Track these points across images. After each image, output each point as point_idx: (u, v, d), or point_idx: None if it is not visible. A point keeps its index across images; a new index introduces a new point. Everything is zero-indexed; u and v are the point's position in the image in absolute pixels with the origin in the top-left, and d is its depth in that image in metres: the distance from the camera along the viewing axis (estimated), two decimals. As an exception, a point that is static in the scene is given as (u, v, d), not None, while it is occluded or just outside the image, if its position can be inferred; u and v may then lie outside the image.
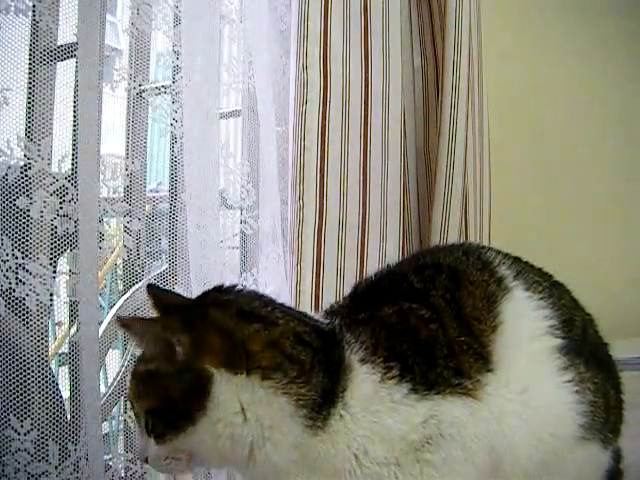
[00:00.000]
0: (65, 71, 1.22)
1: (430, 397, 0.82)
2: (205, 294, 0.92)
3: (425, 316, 0.87)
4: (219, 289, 0.91)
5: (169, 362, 0.81)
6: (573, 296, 1.00)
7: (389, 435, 0.81)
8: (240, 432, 0.80)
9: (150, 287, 0.95)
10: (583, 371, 0.90)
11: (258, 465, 0.82)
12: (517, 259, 0.98)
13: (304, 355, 0.82)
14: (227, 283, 0.93)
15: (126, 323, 0.85)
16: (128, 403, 0.94)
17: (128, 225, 1.31)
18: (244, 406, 0.80)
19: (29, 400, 1.12)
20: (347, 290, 1.01)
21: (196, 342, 0.81)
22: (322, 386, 0.81)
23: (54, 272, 1.15)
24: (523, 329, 0.90)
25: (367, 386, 0.82)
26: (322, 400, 0.81)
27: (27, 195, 1.12)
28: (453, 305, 0.89)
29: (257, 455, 0.81)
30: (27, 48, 1.17)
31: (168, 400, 0.80)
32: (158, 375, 0.81)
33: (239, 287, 0.91)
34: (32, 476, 1.10)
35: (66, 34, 1.21)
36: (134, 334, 0.85)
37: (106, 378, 1.59)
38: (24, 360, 1.12)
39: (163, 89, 1.37)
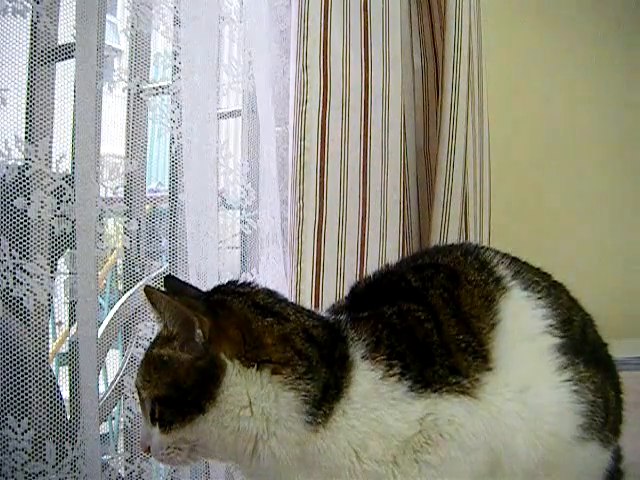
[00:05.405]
0: (64, 71, 1.22)
1: (427, 395, 0.82)
2: (221, 287, 0.92)
3: (421, 317, 0.87)
4: (234, 283, 0.92)
5: (186, 344, 0.82)
6: (572, 296, 1.00)
7: (387, 432, 0.81)
8: (246, 426, 0.81)
9: (168, 278, 0.96)
10: (582, 370, 0.90)
11: (261, 460, 0.82)
12: (515, 259, 0.98)
13: (312, 351, 0.83)
14: (241, 279, 0.93)
15: (151, 293, 0.84)
16: (135, 390, 0.94)
17: (127, 225, 1.31)
18: (251, 400, 0.81)
19: (27, 399, 1.12)
20: (347, 290, 1.01)
21: (217, 328, 0.81)
22: (327, 382, 0.82)
23: (52, 272, 1.15)
24: (521, 328, 0.89)
25: (369, 383, 0.82)
26: (326, 396, 0.81)
27: (25, 195, 1.13)
28: (451, 304, 0.89)
29: (261, 450, 0.82)
30: (26, 49, 1.17)
31: (179, 388, 0.80)
32: (171, 360, 0.82)
33: (253, 283, 0.92)
34: (29, 475, 1.11)
35: (65, 34, 1.21)
36: (157, 306, 0.84)
37: (106, 378, 1.59)
38: (21, 359, 1.12)
39: (162, 89, 1.37)
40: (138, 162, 1.35)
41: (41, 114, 1.18)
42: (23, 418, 1.11)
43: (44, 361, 1.16)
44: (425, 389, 0.82)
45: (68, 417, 1.19)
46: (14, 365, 1.12)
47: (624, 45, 2.72)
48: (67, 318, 1.26)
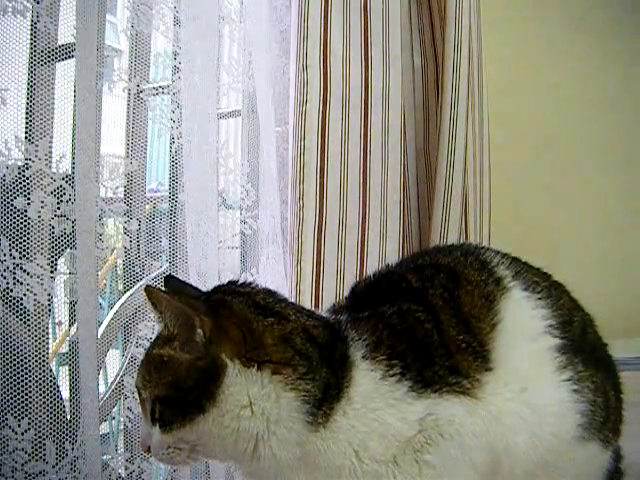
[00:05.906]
0: (64, 71, 1.22)
1: (427, 395, 0.82)
2: (221, 287, 0.92)
3: (422, 317, 0.87)
4: (234, 283, 0.92)
5: (186, 343, 0.82)
6: (572, 296, 1.00)
7: (387, 432, 0.81)
8: (246, 426, 0.81)
9: (168, 278, 0.96)
10: (582, 370, 0.90)
11: (262, 460, 0.82)
12: (516, 259, 0.98)
13: (312, 351, 0.83)
14: (241, 279, 0.93)
15: (152, 293, 0.84)
16: (135, 390, 0.94)
17: (127, 225, 1.31)
18: (252, 400, 0.81)
19: (27, 399, 1.12)
20: (347, 290, 1.01)
21: (217, 328, 0.81)
22: (327, 382, 0.82)
23: (52, 272, 1.15)
24: (522, 328, 0.89)
25: (369, 383, 0.82)
26: (326, 396, 0.81)
27: (25, 195, 1.13)
28: (452, 304, 0.89)
29: (261, 450, 0.82)
30: (26, 49, 1.17)
31: (179, 388, 0.80)
32: (172, 360, 0.82)
33: (253, 283, 0.92)
34: (29, 475, 1.11)
35: (65, 34, 1.21)
36: (157, 306, 0.84)
37: (106, 378, 1.59)
38: (21, 359, 1.12)
39: (162, 89, 1.37)
40: (138, 162, 1.35)
41: (41, 114, 1.18)
42: (23, 418, 1.11)
43: (44, 361, 1.16)
44: (425, 389, 0.82)
45: (68, 417, 1.20)
46: (14, 365, 1.12)
47: (625, 45, 2.72)
48: (67, 318, 1.26)
